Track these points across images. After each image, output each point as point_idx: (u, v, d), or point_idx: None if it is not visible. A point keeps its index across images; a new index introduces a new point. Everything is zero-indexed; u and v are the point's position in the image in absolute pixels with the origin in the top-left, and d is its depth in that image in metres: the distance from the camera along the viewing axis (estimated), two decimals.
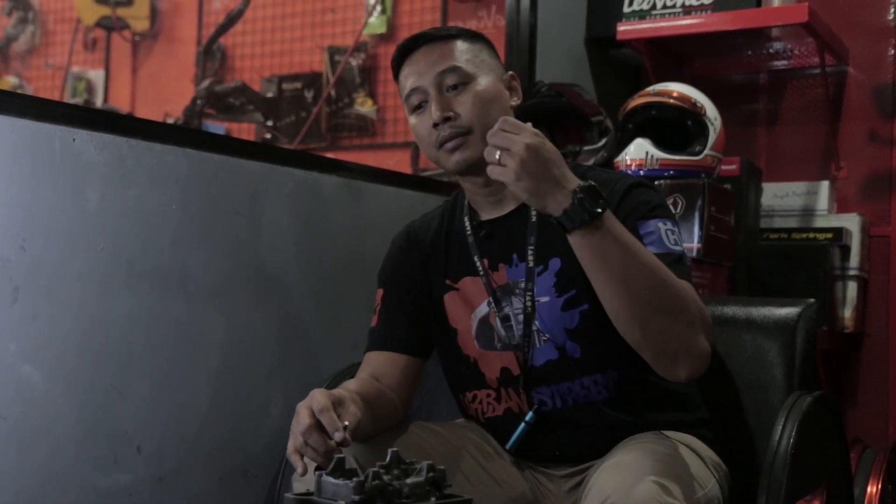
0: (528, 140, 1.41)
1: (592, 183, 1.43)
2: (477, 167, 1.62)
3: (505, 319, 1.67)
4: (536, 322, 1.64)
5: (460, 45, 1.66)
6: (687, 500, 1.41)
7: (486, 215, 1.72)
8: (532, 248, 1.66)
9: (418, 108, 1.66)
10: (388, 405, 1.65)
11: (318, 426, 1.40)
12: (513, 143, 1.41)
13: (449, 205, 1.81)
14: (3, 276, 1.55)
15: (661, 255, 1.55)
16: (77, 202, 1.65)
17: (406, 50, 1.68)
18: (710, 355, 1.53)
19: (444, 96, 1.63)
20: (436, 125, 1.62)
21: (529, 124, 1.46)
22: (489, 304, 1.69)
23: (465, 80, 1.64)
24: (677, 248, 1.59)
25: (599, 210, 1.42)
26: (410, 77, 1.66)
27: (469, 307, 1.71)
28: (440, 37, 1.67)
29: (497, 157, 1.42)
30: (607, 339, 1.53)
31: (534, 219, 1.67)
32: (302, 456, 1.40)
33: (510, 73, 1.73)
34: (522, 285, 1.66)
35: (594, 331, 1.60)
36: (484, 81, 1.65)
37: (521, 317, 1.65)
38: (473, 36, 1.70)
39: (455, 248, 1.74)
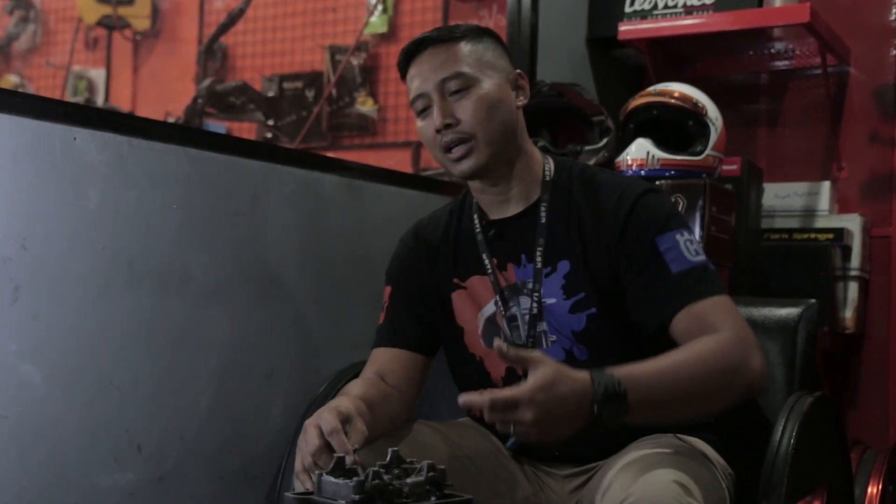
0: (530, 416, 1.31)
1: (603, 396, 1.35)
2: (482, 172, 1.63)
3: (511, 319, 1.67)
4: (543, 323, 1.64)
5: (464, 48, 1.64)
6: (706, 502, 1.40)
7: (495, 215, 1.71)
8: (541, 249, 1.65)
9: (423, 112, 1.65)
10: (393, 407, 1.65)
11: (327, 447, 1.39)
12: (519, 422, 1.32)
13: (458, 203, 1.80)
14: (3, 275, 1.55)
15: (685, 271, 1.55)
16: (78, 201, 1.65)
17: (410, 53, 1.66)
18: (764, 365, 1.51)
19: (446, 102, 1.61)
20: (438, 131, 1.61)
21: (518, 387, 1.33)
22: (496, 303, 1.68)
23: (468, 85, 1.61)
24: (699, 258, 1.57)
25: (623, 413, 1.37)
26: (415, 81, 1.65)
27: (476, 306, 1.71)
28: (443, 39, 1.64)
29: (512, 430, 1.34)
30: (615, 342, 1.53)
31: (543, 220, 1.66)
32: (310, 475, 1.39)
33: (517, 71, 1.70)
34: (531, 286, 1.65)
35: (602, 334, 1.60)
36: (487, 85, 1.62)
37: (527, 317, 1.65)
38: (479, 34, 1.67)
39: (464, 246, 1.74)
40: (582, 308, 1.61)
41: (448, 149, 1.62)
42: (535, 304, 1.65)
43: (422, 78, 1.64)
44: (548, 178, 1.69)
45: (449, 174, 1.88)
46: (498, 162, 1.64)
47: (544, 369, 1.33)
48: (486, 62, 1.64)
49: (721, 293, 1.57)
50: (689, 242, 1.58)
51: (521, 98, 1.68)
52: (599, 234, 1.62)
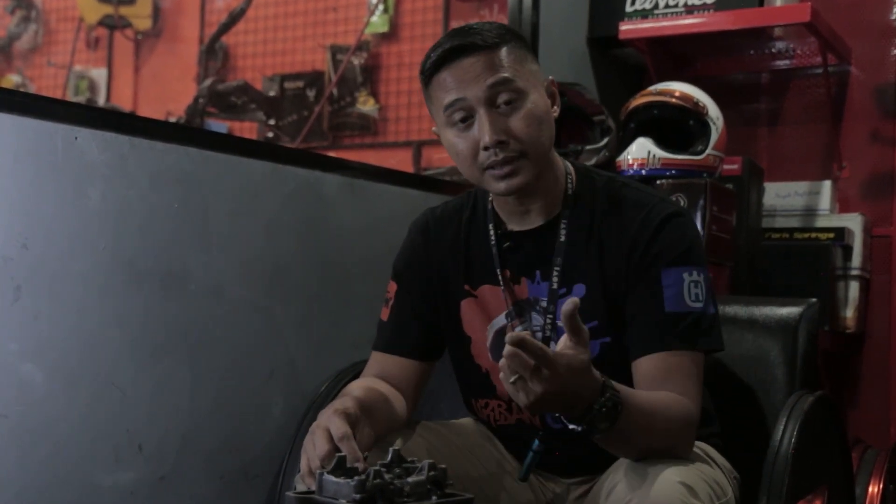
0: (544, 386, 1.27)
1: (604, 406, 1.32)
2: (526, 190, 1.55)
3: None
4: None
5: (508, 54, 1.52)
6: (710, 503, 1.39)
7: (513, 226, 1.64)
8: (558, 269, 1.58)
9: (460, 123, 1.52)
10: (394, 410, 1.62)
11: (336, 452, 1.36)
12: (531, 380, 1.27)
13: (470, 201, 1.72)
14: (4, 274, 1.55)
15: (677, 314, 1.50)
16: (79, 201, 1.65)
17: (444, 59, 1.52)
18: (690, 449, 1.50)
19: (496, 116, 1.50)
20: (486, 148, 1.50)
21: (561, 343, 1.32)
22: (508, 316, 1.64)
23: (517, 97, 1.51)
24: (696, 305, 1.52)
25: (604, 430, 1.34)
26: (452, 86, 1.51)
27: (486, 317, 1.66)
28: (486, 45, 1.51)
29: (512, 380, 1.28)
30: (626, 371, 1.50)
31: (563, 238, 1.59)
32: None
33: (550, 78, 1.60)
34: (544, 303, 1.60)
35: (615, 363, 1.53)
36: (534, 97, 1.53)
37: (539, 335, 1.60)
38: (512, 36, 1.55)
39: (477, 253, 1.67)
40: (596, 335, 1.55)
41: (491, 167, 1.52)
42: (548, 325, 1.60)
43: (461, 83, 1.50)
44: (570, 192, 1.62)
45: (450, 174, 1.88)
46: (537, 177, 1.56)
47: (583, 357, 1.30)
48: (527, 70, 1.54)
49: (703, 347, 1.53)
50: (694, 284, 1.52)
51: (556, 107, 1.59)
52: (619, 257, 1.57)
